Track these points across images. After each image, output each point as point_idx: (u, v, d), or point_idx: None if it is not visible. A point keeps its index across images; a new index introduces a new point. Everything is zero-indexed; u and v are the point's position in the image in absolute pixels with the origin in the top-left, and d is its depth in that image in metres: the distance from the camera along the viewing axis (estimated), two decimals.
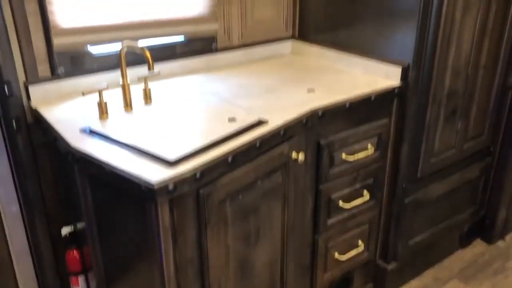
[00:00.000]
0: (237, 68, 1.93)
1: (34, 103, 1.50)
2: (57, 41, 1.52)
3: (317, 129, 1.54)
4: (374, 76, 1.79)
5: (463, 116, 1.94)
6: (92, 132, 1.30)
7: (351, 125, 1.64)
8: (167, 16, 1.73)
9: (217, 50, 1.92)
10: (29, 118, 1.51)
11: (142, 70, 1.63)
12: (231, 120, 1.37)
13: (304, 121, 1.45)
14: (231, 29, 1.94)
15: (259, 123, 1.36)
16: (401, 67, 1.70)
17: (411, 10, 1.65)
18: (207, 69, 1.89)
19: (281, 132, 1.37)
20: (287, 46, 2.13)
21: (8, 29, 1.41)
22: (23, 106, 1.49)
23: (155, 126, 1.36)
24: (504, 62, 2.00)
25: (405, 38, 1.70)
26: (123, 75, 1.44)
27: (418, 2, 1.62)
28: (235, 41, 1.97)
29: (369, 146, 1.70)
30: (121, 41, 1.43)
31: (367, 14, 1.81)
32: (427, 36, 1.67)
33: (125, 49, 1.42)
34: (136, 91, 1.53)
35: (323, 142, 1.57)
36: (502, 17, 1.89)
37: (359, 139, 1.67)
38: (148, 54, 1.34)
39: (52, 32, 1.50)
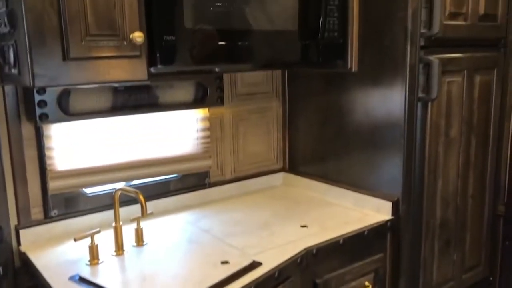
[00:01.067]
0: (230, 201, 1.95)
1: (24, 247, 1.48)
2: (52, 185, 1.54)
3: (312, 268, 1.51)
4: (365, 209, 1.81)
5: (458, 246, 1.93)
6: (81, 280, 1.27)
7: (346, 261, 1.61)
8: (161, 155, 1.79)
9: (210, 184, 1.95)
10: (17, 262, 1.48)
11: (135, 209, 1.63)
12: (224, 263, 1.35)
13: (299, 260, 1.43)
14: (224, 164, 2.00)
15: (253, 265, 1.34)
16: (391, 201, 1.73)
17: (397, 145, 1.73)
18: (201, 204, 1.90)
19: (276, 274, 1.34)
20: (278, 178, 2.18)
21: (6, 175, 1.45)
22: (12, 251, 1.46)
23: (146, 273, 1.33)
24: (491, 191, 2.04)
25: (393, 171, 1.75)
26: (116, 219, 1.44)
27: (402, 137, 1.70)
28: (228, 175, 2.02)
29: (367, 283, 1.65)
30: (116, 182, 1.46)
31: (354, 149, 1.88)
32: (414, 169, 1.73)
33: (119, 193, 1.44)
34: (129, 231, 1.52)
35: (319, 281, 1.53)
36: (482, 151, 1.98)
37: (355, 276, 1.63)
38: (142, 199, 1.35)
39: (49, 176, 1.53)
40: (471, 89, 1.87)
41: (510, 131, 2.04)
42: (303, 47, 1.68)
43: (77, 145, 1.59)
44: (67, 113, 1.51)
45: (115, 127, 1.67)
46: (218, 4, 1.43)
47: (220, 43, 1.46)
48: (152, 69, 1.35)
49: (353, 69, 1.80)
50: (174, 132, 1.83)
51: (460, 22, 1.78)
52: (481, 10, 1.84)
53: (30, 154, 1.51)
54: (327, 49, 1.73)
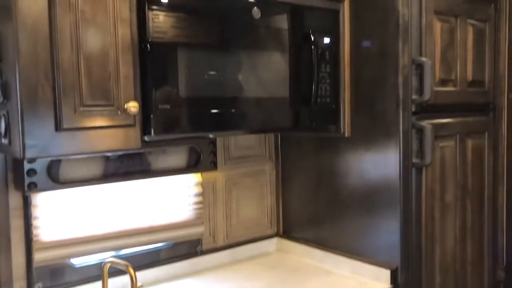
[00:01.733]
0: (223, 270, 1.88)
1: None
2: (38, 256, 1.48)
3: None
4: (364, 278, 1.75)
5: None
6: None
7: None
8: (153, 223, 1.74)
9: (202, 252, 1.89)
10: None
11: (125, 280, 1.56)
12: None
13: None
14: (216, 230, 1.95)
15: None
16: (389, 269, 1.68)
17: (393, 211, 1.70)
18: (192, 273, 1.83)
19: None
20: (272, 244, 2.12)
21: None
22: None
23: None
24: (490, 256, 2.00)
25: (390, 237, 1.71)
26: None
27: (398, 203, 1.67)
28: (220, 242, 1.96)
29: None
30: (105, 252, 1.40)
31: (349, 213, 1.85)
32: (411, 235, 1.69)
33: (108, 265, 1.38)
34: None
35: None
36: (479, 215, 1.96)
37: None
38: (132, 272, 1.30)
39: (34, 247, 1.47)
40: (464, 154, 1.88)
41: (505, 195, 2.04)
42: (296, 112, 1.69)
43: (66, 214, 1.54)
44: (57, 181, 1.48)
45: (106, 195, 1.63)
46: (211, 72, 1.45)
47: (214, 110, 1.46)
48: (145, 138, 1.34)
49: (346, 134, 1.81)
50: (166, 198, 1.79)
51: (450, 88, 1.82)
52: (469, 77, 1.89)
53: (16, 224, 1.45)
54: (319, 114, 1.74)
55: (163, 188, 1.77)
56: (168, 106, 1.34)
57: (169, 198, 1.80)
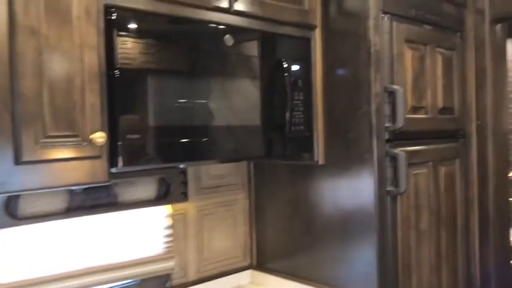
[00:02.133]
0: None
1: None
2: None
3: None
4: None
5: None
6: None
7: None
8: (120, 258, 1.64)
9: None
10: None
11: None
12: None
13: None
14: (187, 264, 1.86)
15: None
16: None
17: (369, 240, 1.66)
18: None
19: None
20: (246, 277, 2.04)
21: None
22: None
23: None
24: (464, 284, 1.99)
25: (366, 268, 1.67)
26: None
27: (374, 232, 1.64)
28: (192, 276, 1.87)
29: None
30: None
31: (324, 243, 1.81)
32: (388, 265, 1.66)
33: None
34: None
35: None
36: (452, 242, 1.95)
37: None
38: None
39: None
40: (437, 181, 1.88)
41: (477, 222, 2.04)
42: (269, 140, 1.66)
43: (26, 252, 1.44)
44: (15, 217, 1.37)
45: (70, 230, 1.53)
46: (182, 100, 1.40)
47: (184, 140, 1.41)
48: (113, 169, 1.27)
49: (320, 162, 1.78)
50: (135, 232, 1.70)
51: (421, 116, 1.83)
52: (440, 104, 1.90)
53: None
54: (293, 142, 1.71)
55: (131, 221, 1.69)
56: (136, 136, 1.28)
57: (137, 232, 1.71)
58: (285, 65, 1.64)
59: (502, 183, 2.09)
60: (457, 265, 1.97)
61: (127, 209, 1.64)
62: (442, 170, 1.91)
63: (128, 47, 1.26)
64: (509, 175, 2.14)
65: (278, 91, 1.64)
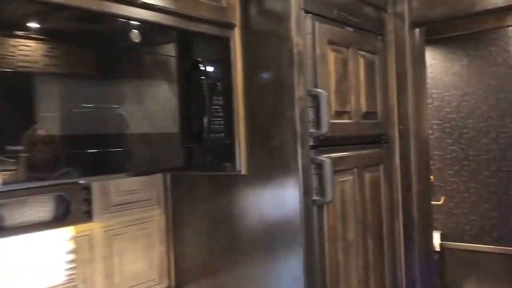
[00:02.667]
0: None
1: None
2: None
3: None
4: None
5: None
6: None
7: None
8: None
9: None
10: None
11: None
12: None
13: None
14: None
15: None
16: None
17: (295, 255, 1.55)
18: None
19: None
20: None
21: None
22: None
23: None
24: None
25: (293, 285, 1.56)
26: None
27: (301, 246, 1.53)
28: None
29: None
30: None
31: (249, 260, 1.67)
32: (316, 281, 1.56)
33: None
34: None
35: None
36: (379, 251, 1.90)
37: None
38: None
39: None
40: (362, 187, 1.82)
41: (401, 229, 2.01)
42: (187, 149, 1.50)
43: None
44: None
45: None
46: (85, 104, 1.20)
47: (88, 151, 1.21)
48: None
49: (242, 172, 1.65)
50: (30, 260, 1.45)
51: (345, 121, 1.76)
52: (364, 108, 1.85)
53: None
54: (213, 151, 1.56)
55: (23, 248, 1.43)
56: (21, 148, 1.06)
57: (33, 260, 1.46)
58: (202, 67, 1.48)
59: (424, 187, 2.09)
60: (384, 274, 1.93)
61: (17, 234, 1.39)
62: (367, 176, 1.85)
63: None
64: (431, 179, 2.14)
65: (195, 95, 1.48)
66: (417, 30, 2.06)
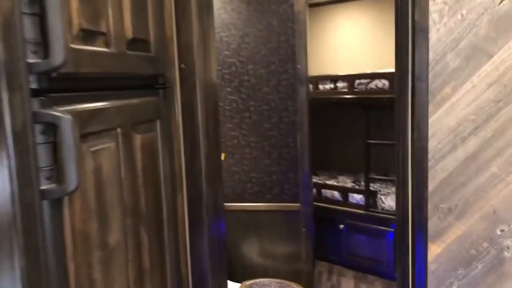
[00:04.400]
0: None
1: None
2: None
3: None
4: None
5: None
6: None
7: None
8: None
9: None
10: None
11: None
12: None
13: None
14: None
15: None
16: None
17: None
18: None
19: None
20: None
21: None
22: None
23: None
24: None
25: None
26: None
27: (17, 270, 0.80)
28: None
29: None
30: None
31: None
32: None
33: None
34: None
35: None
36: (159, 251, 1.30)
37: None
38: None
39: None
40: (131, 157, 1.16)
41: (186, 209, 1.45)
42: None
43: None
44: None
45: None
46: None
47: None
48: None
49: None
50: None
51: (100, 49, 1.04)
52: (129, 33, 1.15)
53: None
54: None
55: None
56: None
57: None
58: None
59: (214, 149, 1.55)
60: (166, 274, 1.34)
61: None
62: (138, 139, 1.20)
63: None
64: (220, 138, 1.62)
65: None
66: None
